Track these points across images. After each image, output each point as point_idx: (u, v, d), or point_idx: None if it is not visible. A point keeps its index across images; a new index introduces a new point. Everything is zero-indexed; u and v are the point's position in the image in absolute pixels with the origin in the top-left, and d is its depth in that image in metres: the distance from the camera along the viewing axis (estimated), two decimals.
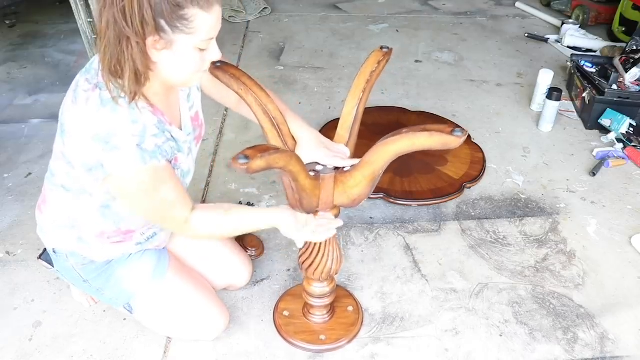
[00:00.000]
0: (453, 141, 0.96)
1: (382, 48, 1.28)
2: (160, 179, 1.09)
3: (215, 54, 1.05)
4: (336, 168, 1.17)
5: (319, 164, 1.19)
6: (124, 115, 1.01)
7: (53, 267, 1.36)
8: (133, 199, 1.11)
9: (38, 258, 1.43)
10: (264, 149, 0.95)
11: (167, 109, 1.14)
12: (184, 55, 0.99)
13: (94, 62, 1.07)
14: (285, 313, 1.49)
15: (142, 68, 0.97)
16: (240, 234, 1.28)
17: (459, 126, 0.96)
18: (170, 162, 1.13)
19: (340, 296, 1.53)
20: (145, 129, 1.04)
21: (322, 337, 1.43)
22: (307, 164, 1.19)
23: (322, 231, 1.20)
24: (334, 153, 1.21)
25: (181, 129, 1.19)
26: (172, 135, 1.13)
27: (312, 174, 1.15)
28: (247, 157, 0.92)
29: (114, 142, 1.00)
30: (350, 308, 1.50)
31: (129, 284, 1.32)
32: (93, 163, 1.04)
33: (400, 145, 1.03)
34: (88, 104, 1.02)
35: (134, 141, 1.02)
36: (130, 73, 0.96)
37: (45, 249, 1.39)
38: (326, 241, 1.27)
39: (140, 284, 1.32)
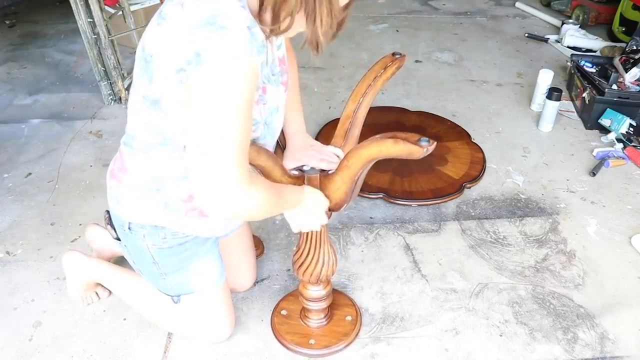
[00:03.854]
0: (416, 150, 0.95)
1: (394, 54, 1.27)
2: (250, 90, 0.90)
3: None
4: (324, 171, 1.17)
5: (311, 167, 1.19)
6: (233, 1, 0.89)
7: (119, 239, 1.27)
8: (206, 106, 0.87)
9: (107, 224, 1.30)
10: None
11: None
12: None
13: None
14: (284, 312, 1.49)
15: None
16: (275, 213, 1.09)
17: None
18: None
19: (342, 304, 1.51)
20: (255, 22, 0.91)
21: (312, 341, 1.41)
22: (296, 167, 1.20)
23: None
24: (322, 156, 1.21)
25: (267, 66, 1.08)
26: (266, 59, 1.01)
27: (295, 172, 1.16)
28: None
29: (221, 22, 0.86)
30: (349, 318, 1.48)
31: (197, 281, 1.29)
32: (186, 58, 0.88)
33: (370, 151, 1.02)
34: (184, 5, 0.90)
35: (245, 22, 0.89)
36: None
37: (109, 214, 1.26)
38: (320, 244, 1.26)
39: (205, 285, 1.31)
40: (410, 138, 0.96)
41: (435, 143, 0.97)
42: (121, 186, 1.17)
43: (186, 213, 1.16)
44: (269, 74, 1.06)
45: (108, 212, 1.27)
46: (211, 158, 0.89)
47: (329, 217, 1.20)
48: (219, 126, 0.88)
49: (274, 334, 1.45)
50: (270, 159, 1.07)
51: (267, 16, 0.93)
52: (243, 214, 0.96)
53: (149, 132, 1.06)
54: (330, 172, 1.16)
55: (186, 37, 0.89)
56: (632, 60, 2.40)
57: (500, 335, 1.47)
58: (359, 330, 1.46)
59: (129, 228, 1.20)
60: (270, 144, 1.18)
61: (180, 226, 1.19)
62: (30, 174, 2.12)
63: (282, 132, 1.25)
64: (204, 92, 0.88)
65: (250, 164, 1.00)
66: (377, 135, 1.01)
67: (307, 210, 1.15)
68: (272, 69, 1.09)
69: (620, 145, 2.23)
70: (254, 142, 1.06)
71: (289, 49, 1.28)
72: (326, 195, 1.16)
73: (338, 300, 1.51)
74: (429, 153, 0.96)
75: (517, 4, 3.83)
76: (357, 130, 1.28)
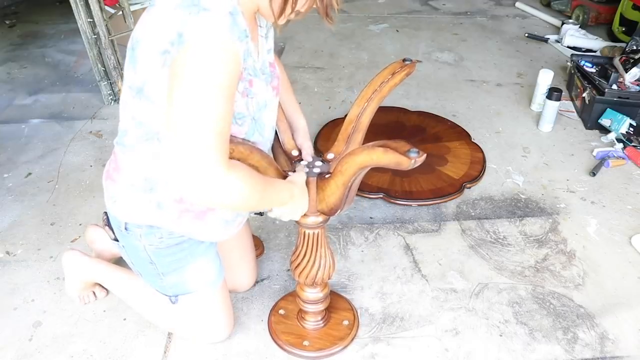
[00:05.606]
0: (404, 161, 0.94)
1: (404, 60, 1.26)
2: (231, 75, 0.90)
3: None
4: (321, 175, 1.18)
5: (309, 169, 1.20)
6: None
7: (117, 240, 1.27)
8: (185, 86, 0.87)
9: (105, 225, 1.29)
10: None
11: (252, 31, 1.03)
12: None
13: None
14: (281, 312, 1.49)
15: None
16: (263, 205, 1.06)
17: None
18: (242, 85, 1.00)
19: (341, 308, 1.50)
20: (238, 11, 0.93)
21: (306, 342, 1.40)
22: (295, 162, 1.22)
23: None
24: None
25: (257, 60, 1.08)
26: (249, 50, 1.00)
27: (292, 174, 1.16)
28: None
29: (204, 4, 0.89)
30: (346, 322, 1.46)
31: (194, 281, 1.29)
32: (170, 39, 0.89)
33: (362, 158, 1.02)
34: None
35: (227, 7, 0.91)
36: None
37: (107, 214, 1.27)
38: (317, 247, 1.26)
39: (203, 285, 1.30)
40: (400, 148, 0.95)
41: (425, 155, 0.96)
42: (116, 186, 1.18)
43: (179, 215, 1.15)
44: (255, 69, 1.06)
45: (106, 213, 1.27)
46: (188, 137, 0.87)
47: (324, 221, 1.20)
48: (197, 105, 0.87)
49: (270, 333, 1.45)
50: (264, 159, 1.07)
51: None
52: (222, 200, 0.93)
53: (135, 126, 1.06)
54: (327, 176, 1.16)
55: (169, 17, 0.90)
56: (632, 60, 2.40)
57: (500, 335, 1.47)
58: (355, 335, 1.45)
59: (126, 228, 1.20)
60: (260, 142, 1.16)
61: (175, 227, 1.18)
62: (30, 174, 2.12)
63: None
64: (183, 71, 0.87)
65: (241, 161, 1.00)
66: (370, 143, 1.01)
67: (288, 212, 1.14)
68: (262, 70, 1.09)
69: (620, 145, 2.23)
70: (246, 141, 1.06)
71: (278, 64, 1.30)
72: (320, 199, 1.16)
73: (337, 303, 1.51)
74: (417, 165, 0.95)
75: (517, 4, 3.83)
76: (359, 135, 1.27)
